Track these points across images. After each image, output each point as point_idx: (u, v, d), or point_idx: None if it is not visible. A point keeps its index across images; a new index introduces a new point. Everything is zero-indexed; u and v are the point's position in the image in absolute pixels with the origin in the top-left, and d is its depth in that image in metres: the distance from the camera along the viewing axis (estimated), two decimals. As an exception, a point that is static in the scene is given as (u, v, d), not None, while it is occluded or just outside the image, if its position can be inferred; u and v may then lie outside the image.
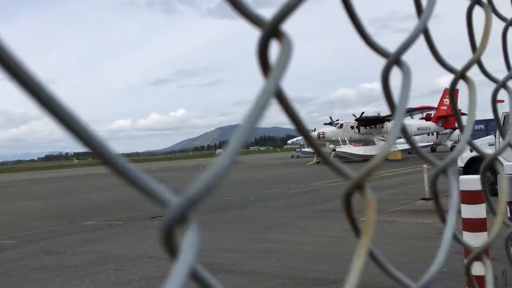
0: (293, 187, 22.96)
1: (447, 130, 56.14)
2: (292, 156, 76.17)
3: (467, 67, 0.74)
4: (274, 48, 0.36)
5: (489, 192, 0.89)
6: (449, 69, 0.73)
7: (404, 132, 0.56)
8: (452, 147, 44.24)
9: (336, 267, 7.87)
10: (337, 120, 54.41)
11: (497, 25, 1.09)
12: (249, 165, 58.35)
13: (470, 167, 15.36)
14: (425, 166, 16.47)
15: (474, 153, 13.45)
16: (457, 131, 56.19)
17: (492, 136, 15.65)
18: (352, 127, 50.35)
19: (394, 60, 0.53)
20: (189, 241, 0.28)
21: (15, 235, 13.60)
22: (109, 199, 22.39)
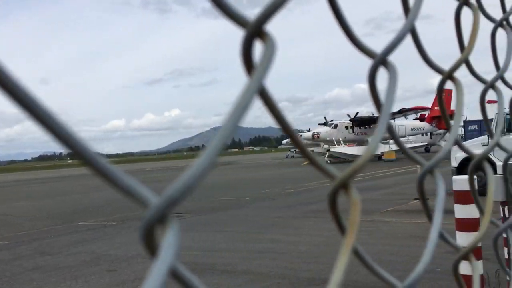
0: (288, 187, 22.99)
1: (441, 131, 56.31)
2: (287, 156, 76.22)
3: (455, 67, 0.74)
4: (259, 48, 0.37)
5: (478, 192, 0.90)
6: (437, 69, 0.73)
7: (391, 132, 0.56)
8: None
9: (330, 266, 7.81)
10: (332, 120, 54.51)
11: (487, 26, 1.10)
12: (244, 165, 58.36)
13: (464, 167, 15.44)
14: (418, 166, 16.48)
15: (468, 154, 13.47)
16: (451, 131, 56.35)
17: (486, 136, 15.73)
18: (346, 127, 50.46)
19: (381, 60, 0.54)
20: (169, 241, 0.28)
21: (8, 235, 13.54)
22: (103, 199, 22.31)
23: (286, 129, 0.41)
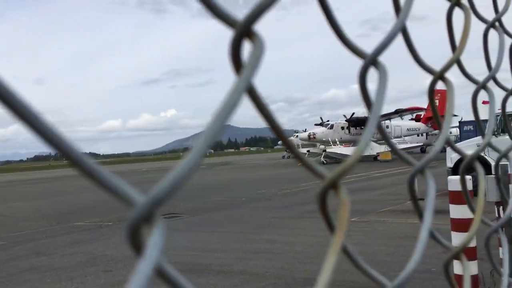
0: (284, 188, 22.99)
1: (437, 131, 56.43)
2: (283, 157, 76.22)
3: (446, 68, 0.74)
4: (248, 48, 0.37)
5: (468, 192, 0.90)
6: (428, 70, 0.74)
7: (382, 132, 0.57)
8: (444, 149, 44.55)
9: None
10: (328, 120, 54.62)
11: (480, 27, 1.10)
12: (240, 166, 58.34)
13: (459, 168, 15.46)
14: (414, 166, 16.51)
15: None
16: (447, 132, 56.51)
17: (481, 137, 15.77)
18: (342, 128, 50.55)
19: (371, 61, 0.54)
20: (154, 240, 0.28)
21: (4, 236, 13.49)
22: (98, 200, 22.24)
23: (275, 129, 0.41)
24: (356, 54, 0.54)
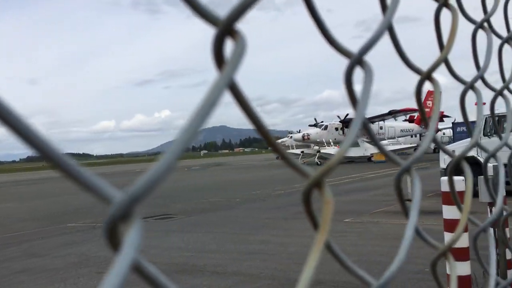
0: (278, 188, 23.01)
1: (430, 132, 56.62)
2: (277, 158, 76.30)
3: (433, 68, 0.75)
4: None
5: (457, 192, 0.91)
6: (415, 69, 0.74)
7: (368, 131, 0.57)
8: (435, 149, 44.75)
9: (321, 267, 7.82)
10: (322, 121, 54.74)
11: (470, 29, 1.11)
12: (234, 167, 58.31)
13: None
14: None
15: (456, 155, 13.60)
16: (440, 133, 56.88)
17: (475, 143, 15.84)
18: (336, 129, 50.67)
19: (357, 60, 0.54)
20: (131, 237, 0.28)
21: (-4, 237, 13.41)
22: (92, 201, 22.16)
23: (257, 125, 0.41)
24: (341, 53, 0.55)
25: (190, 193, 23.95)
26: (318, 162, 45.33)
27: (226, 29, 0.36)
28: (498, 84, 1.12)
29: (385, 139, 51.34)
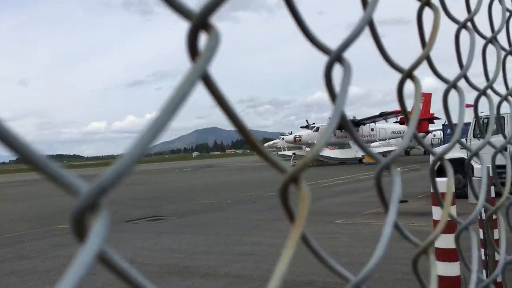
0: (269, 190, 22.99)
1: (421, 134, 57.02)
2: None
3: (414, 66, 0.75)
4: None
5: (456, 194, 0.91)
6: (397, 68, 0.75)
7: (346, 125, 0.57)
8: (425, 151, 44.93)
9: (311, 269, 7.90)
10: (314, 123, 54.84)
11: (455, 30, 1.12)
12: (226, 168, 58.26)
13: (442, 170, 15.66)
14: (398, 169, 16.64)
15: (445, 156, 13.70)
16: (430, 135, 57.19)
17: (464, 140, 15.96)
18: (328, 130, 50.78)
19: (336, 57, 0.54)
20: (97, 228, 0.28)
21: (-15, 239, 13.29)
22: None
23: (232, 118, 0.41)
24: (321, 50, 0.55)
25: (182, 194, 23.88)
26: (310, 164, 45.34)
27: (200, 23, 0.36)
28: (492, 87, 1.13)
29: (376, 141, 51.55)
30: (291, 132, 56.19)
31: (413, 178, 23.51)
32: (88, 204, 0.28)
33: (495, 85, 1.09)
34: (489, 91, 1.06)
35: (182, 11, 0.36)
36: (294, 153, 49.66)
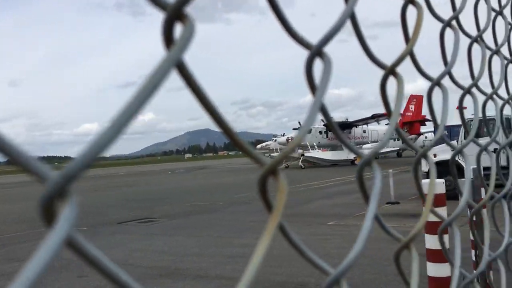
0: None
1: (412, 136, 57.29)
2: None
3: (397, 62, 0.76)
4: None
5: (446, 196, 0.92)
6: (379, 64, 0.75)
7: (325, 116, 0.57)
8: (416, 153, 45.16)
9: (303, 270, 7.91)
10: (306, 125, 54.89)
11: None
12: (219, 170, 58.20)
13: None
14: (390, 170, 16.75)
15: (438, 158, 13.80)
16: (422, 136, 57.47)
17: (455, 142, 16.09)
18: (320, 132, 50.92)
19: (316, 51, 0.55)
20: (65, 214, 0.28)
21: (-25, 241, 13.18)
22: (74, 205, 21.89)
23: (208, 108, 0.41)
24: (301, 45, 0.55)
25: (174, 196, 23.82)
26: (302, 166, 45.51)
27: (175, 13, 0.36)
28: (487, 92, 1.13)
29: (368, 143, 51.73)
30: (284, 133, 56.29)
31: (405, 179, 23.59)
32: (56, 191, 0.28)
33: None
34: (474, 90, 1.07)
35: (157, 2, 0.36)
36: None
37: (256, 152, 0.47)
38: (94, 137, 0.30)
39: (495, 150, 1.49)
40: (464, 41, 1.15)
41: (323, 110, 0.52)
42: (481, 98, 1.13)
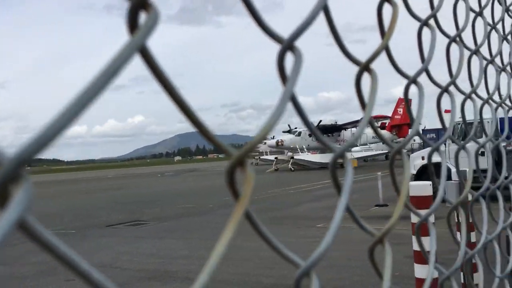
0: (252, 194, 22.97)
1: (401, 139, 57.66)
2: (251, 164, 76.11)
3: (371, 59, 0.77)
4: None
5: (397, 183, 0.93)
6: (354, 61, 0.76)
7: (297, 107, 0.58)
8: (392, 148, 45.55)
9: (293, 272, 7.87)
10: (296, 128, 55.08)
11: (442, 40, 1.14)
12: (209, 172, 58.07)
13: (422, 174, 15.93)
14: (379, 173, 16.83)
15: (426, 161, 13.91)
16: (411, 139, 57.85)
17: (442, 144, 16.22)
18: (310, 135, 51.06)
19: (288, 46, 0.55)
20: (20, 196, 0.28)
21: (-40, 245, 13.01)
22: (62, 207, 21.79)
23: (172, 94, 0.41)
24: (273, 39, 0.56)
25: (164, 199, 23.74)
26: (292, 168, 45.58)
27: (139, 2, 0.37)
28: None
29: (357, 145, 51.98)
30: (274, 136, 56.38)
31: (394, 182, 23.72)
32: (10, 174, 0.28)
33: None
34: (453, 90, 1.08)
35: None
36: (276, 158, 49.81)
37: (224, 143, 0.48)
38: (47, 121, 0.30)
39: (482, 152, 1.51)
40: (444, 41, 1.17)
41: (294, 101, 0.52)
42: (460, 98, 1.15)
